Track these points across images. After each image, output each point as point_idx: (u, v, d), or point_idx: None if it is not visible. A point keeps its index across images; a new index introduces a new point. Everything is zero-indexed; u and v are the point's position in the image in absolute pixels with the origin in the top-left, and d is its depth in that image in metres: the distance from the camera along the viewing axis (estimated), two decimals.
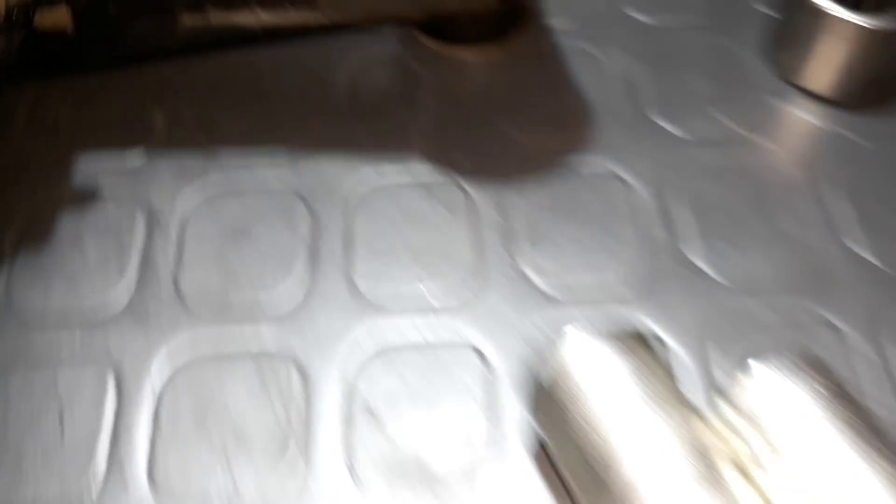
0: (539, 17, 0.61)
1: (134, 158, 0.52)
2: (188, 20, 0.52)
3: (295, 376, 0.42)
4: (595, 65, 0.58)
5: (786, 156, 0.52)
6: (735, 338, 0.43)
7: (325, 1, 0.51)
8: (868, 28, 0.51)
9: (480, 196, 0.50)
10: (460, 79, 0.57)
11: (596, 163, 0.52)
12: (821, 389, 0.32)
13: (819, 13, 0.52)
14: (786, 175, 0.51)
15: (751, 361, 0.34)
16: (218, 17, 0.52)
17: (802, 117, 0.55)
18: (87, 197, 0.50)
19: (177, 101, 0.55)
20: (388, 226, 0.49)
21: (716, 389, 0.41)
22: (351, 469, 0.39)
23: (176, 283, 0.46)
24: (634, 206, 0.50)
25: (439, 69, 0.58)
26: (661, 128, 0.54)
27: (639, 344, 0.35)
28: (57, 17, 0.51)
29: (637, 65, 0.58)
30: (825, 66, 0.55)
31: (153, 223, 0.49)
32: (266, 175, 0.51)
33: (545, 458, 0.39)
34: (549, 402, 0.35)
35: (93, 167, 0.52)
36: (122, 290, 0.46)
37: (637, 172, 0.51)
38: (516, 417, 0.41)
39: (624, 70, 0.58)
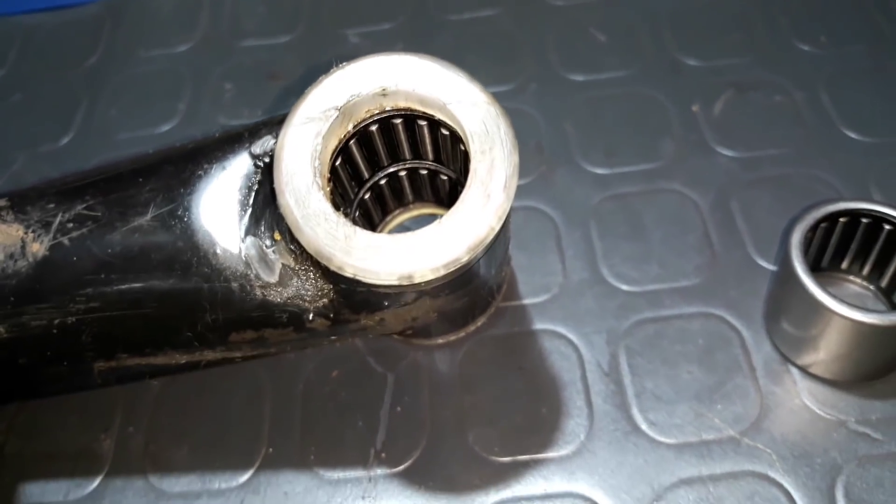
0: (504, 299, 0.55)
1: (78, 491, 0.50)
2: (102, 365, 0.48)
3: None
4: (570, 347, 0.53)
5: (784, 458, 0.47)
6: None
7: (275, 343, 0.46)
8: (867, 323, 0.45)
9: None
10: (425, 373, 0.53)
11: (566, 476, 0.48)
12: None
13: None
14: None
15: None
16: (132, 361, 0.48)
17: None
18: None
19: (125, 425, 0.52)
20: None
21: None
22: None
23: None
24: None
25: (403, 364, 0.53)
26: (646, 434, 0.49)
27: None
28: None
29: (621, 349, 0.52)
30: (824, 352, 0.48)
31: None
32: None
33: None
34: None
35: (36, 500, 0.50)
36: None
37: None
38: None
39: (599, 356, 0.52)
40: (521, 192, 0.57)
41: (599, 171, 0.61)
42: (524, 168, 0.59)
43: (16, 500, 0.50)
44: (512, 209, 0.42)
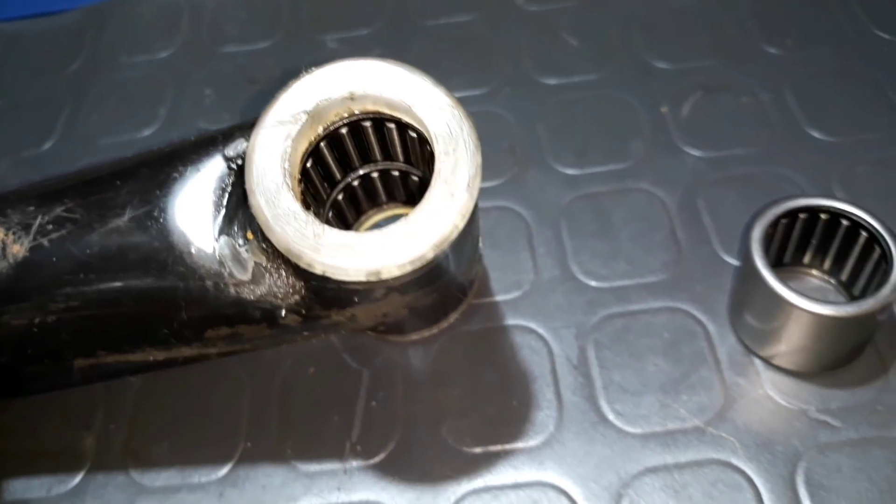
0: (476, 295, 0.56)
1: (61, 487, 0.51)
2: (82, 362, 0.49)
3: None
4: (540, 342, 0.54)
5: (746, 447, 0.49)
6: None
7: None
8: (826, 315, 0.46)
9: None
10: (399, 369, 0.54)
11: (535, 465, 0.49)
12: None
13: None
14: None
15: None
16: (111, 358, 0.49)
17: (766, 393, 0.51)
18: None
19: (106, 422, 0.53)
20: None
21: None
22: None
23: None
24: None
25: (378, 361, 0.54)
26: (614, 424, 0.50)
27: None
28: None
29: (590, 343, 0.54)
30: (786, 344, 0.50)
31: None
32: (190, 502, 0.50)
33: None
34: None
35: (19, 496, 0.51)
36: None
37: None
38: None
39: (568, 350, 0.53)
40: (493, 192, 0.59)
41: (570, 171, 0.62)
42: (497, 170, 0.61)
43: (0, 497, 0.51)
44: (483, 208, 0.44)
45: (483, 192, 0.49)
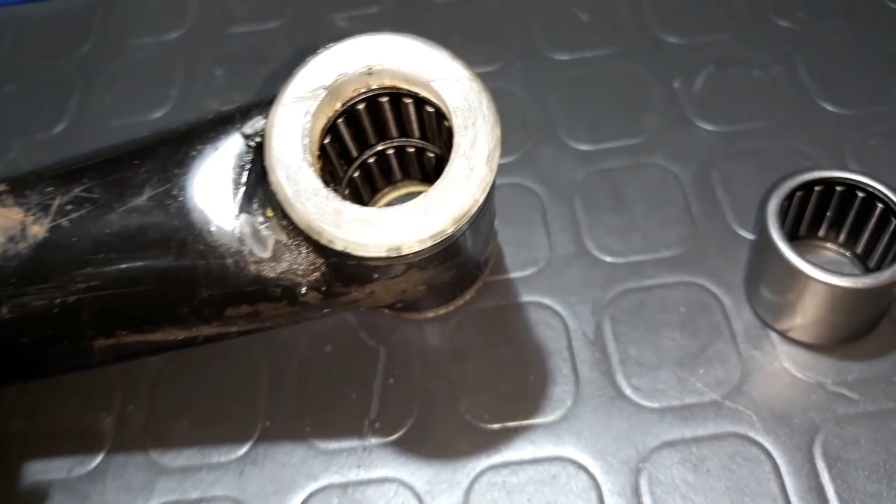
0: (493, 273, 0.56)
1: (81, 468, 0.52)
2: (103, 342, 0.49)
3: None
4: (556, 318, 0.54)
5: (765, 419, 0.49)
6: None
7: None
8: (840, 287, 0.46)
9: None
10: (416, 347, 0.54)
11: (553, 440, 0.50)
12: None
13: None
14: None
15: None
16: (131, 338, 0.49)
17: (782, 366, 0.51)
18: None
19: (125, 403, 0.54)
20: None
21: None
22: None
23: None
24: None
25: (395, 338, 0.55)
26: (631, 399, 0.51)
27: None
28: None
29: (606, 319, 0.54)
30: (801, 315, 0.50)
31: None
32: (210, 482, 0.51)
33: None
34: None
35: (40, 477, 0.52)
36: None
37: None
38: None
39: (585, 326, 0.54)
40: (507, 169, 0.59)
41: (583, 147, 0.62)
42: (510, 146, 0.61)
43: (21, 478, 0.51)
44: (497, 185, 0.44)
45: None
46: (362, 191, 0.52)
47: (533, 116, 0.64)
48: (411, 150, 0.51)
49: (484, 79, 0.43)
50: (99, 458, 0.52)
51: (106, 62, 0.73)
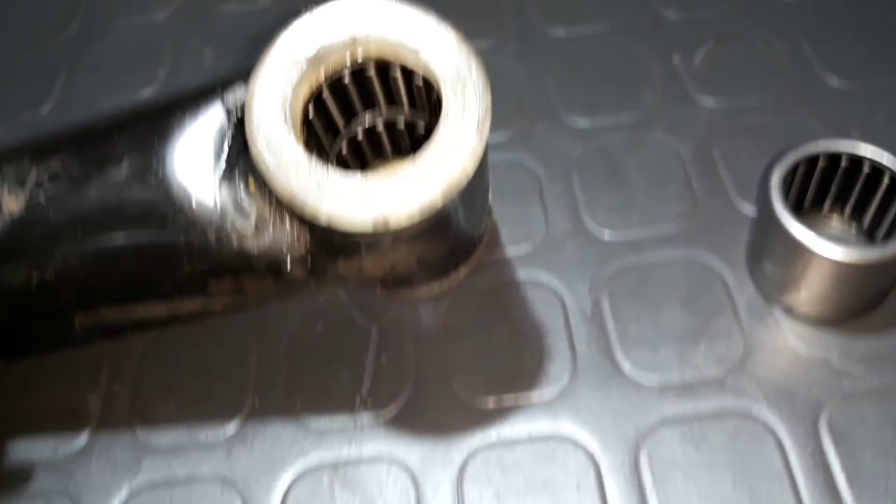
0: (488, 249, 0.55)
1: (66, 448, 0.51)
2: (84, 319, 0.48)
3: None
4: (553, 296, 0.53)
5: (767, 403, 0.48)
6: None
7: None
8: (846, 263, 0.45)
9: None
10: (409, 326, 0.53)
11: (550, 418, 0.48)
12: None
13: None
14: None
15: None
16: (113, 315, 0.48)
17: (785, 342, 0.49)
18: (17, 490, 0.49)
19: (111, 382, 0.52)
20: None
21: None
22: None
23: None
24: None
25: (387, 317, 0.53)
26: (630, 377, 0.49)
27: None
28: None
29: (604, 296, 0.52)
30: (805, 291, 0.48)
31: None
32: (198, 461, 0.49)
33: None
34: None
35: (25, 457, 0.51)
36: None
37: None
38: None
39: (582, 303, 0.52)
40: (502, 146, 0.58)
41: (581, 124, 0.61)
42: (506, 123, 0.59)
43: (6, 458, 0.50)
44: (493, 163, 0.42)
45: (492, 147, 0.48)
46: (351, 166, 0.50)
47: (529, 93, 0.63)
48: (401, 126, 0.49)
49: (478, 56, 0.42)
50: (85, 438, 0.51)
51: (92, 43, 0.72)
